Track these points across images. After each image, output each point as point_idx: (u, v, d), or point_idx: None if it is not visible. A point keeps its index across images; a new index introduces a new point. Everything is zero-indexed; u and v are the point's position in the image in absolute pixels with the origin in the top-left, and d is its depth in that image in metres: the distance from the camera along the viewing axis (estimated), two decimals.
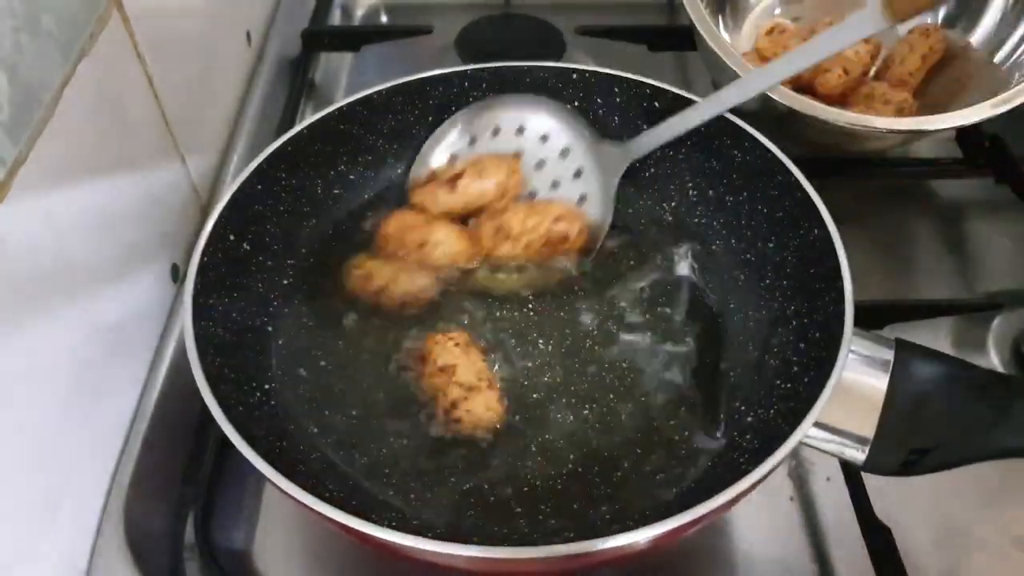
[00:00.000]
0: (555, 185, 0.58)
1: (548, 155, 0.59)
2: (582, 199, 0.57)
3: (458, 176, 0.56)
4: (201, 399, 0.40)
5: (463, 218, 0.58)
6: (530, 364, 0.50)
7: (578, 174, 0.58)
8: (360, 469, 0.46)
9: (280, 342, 0.51)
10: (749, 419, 0.47)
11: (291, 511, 0.50)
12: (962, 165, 0.69)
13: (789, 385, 0.46)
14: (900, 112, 0.65)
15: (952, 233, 0.67)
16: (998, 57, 0.68)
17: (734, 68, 0.60)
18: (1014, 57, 0.67)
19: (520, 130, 0.59)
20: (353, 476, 0.46)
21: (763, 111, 0.62)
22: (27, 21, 0.39)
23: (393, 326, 0.52)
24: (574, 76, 0.59)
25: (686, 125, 0.54)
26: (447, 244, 0.54)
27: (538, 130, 0.59)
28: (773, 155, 0.52)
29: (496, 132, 0.59)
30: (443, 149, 0.59)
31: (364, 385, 0.50)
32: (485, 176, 0.56)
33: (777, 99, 0.60)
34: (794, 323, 0.49)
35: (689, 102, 0.55)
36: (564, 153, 0.59)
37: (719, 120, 0.54)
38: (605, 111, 0.59)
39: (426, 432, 0.47)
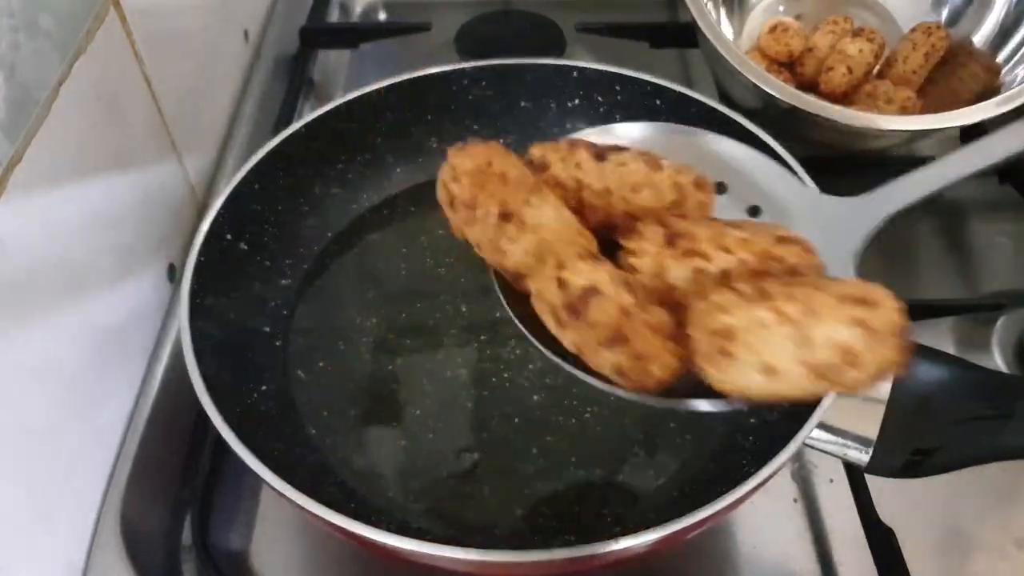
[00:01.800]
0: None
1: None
2: None
3: (620, 148, 0.37)
4: (198, 400, 0.39)
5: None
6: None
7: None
8: (358, 471, 0.46)
9: (278, 343, 0.51)
10: (752, 420, 0.47)
11: (289, 513, 0.50)
12: None
13: None
14: (903, 111, 0.65)
15: (956, 233, 0.67)
16: (1001, 55, 0.68)
17: (736, 66, 0.60)
18: (1018, 55, 0.66)
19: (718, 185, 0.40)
20: (351, 478, 0.45)
21: (766, 109, 0.61)
22: (25, 20, 0.39)
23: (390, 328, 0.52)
24: (575, 74, 0.58)
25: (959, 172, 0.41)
26: (554, 228, 0.33)
27: (740, 180, 0.41)
28: (776, 154, 0.51)
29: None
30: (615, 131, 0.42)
31: (363, 387, 0.49)
32: (659, 167, 0.36)
33: (780, 97, 0.59)
34: None
35: (690, 101, 0.54)
36: (757, 213, 0.41)
37: (721, 119, 0.54)
38: (606, 109, 0.59)
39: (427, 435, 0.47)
